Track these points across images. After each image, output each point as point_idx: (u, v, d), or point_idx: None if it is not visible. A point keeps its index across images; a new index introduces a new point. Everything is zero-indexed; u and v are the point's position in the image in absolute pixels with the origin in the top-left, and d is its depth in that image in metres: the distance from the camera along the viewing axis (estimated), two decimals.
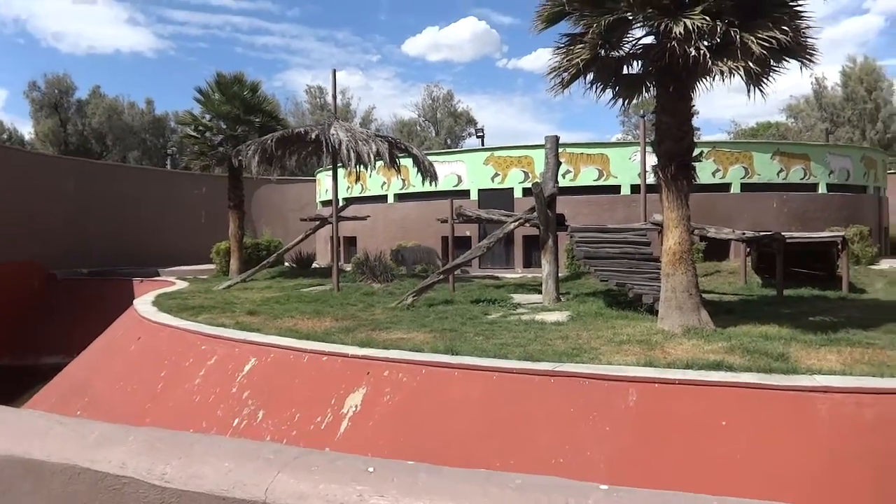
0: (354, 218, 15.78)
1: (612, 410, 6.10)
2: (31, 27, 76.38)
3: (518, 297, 12.97)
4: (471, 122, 58.09)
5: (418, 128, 57.17)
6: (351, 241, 22.90)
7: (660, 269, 9.33)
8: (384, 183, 21.50)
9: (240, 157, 15.76)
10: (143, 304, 13.57)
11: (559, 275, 12.53)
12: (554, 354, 7.29)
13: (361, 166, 14.98)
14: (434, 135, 56.23)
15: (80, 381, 11.48)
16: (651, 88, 8.72)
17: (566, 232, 12.56)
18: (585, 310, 10.82)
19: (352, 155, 14.37)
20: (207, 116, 18.00)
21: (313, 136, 14.68)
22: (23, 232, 21.12)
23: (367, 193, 22.13)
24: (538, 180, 11.40)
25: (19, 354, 19.67)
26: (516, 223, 11.76)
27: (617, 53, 8.63)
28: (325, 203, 26.13)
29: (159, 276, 22.05)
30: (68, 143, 53.76)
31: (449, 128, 56.01)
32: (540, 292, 13.97)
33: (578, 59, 7.94)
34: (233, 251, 18.52)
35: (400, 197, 21.54)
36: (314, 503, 0.93)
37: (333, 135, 14.72)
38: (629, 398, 6.12)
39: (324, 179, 25.76)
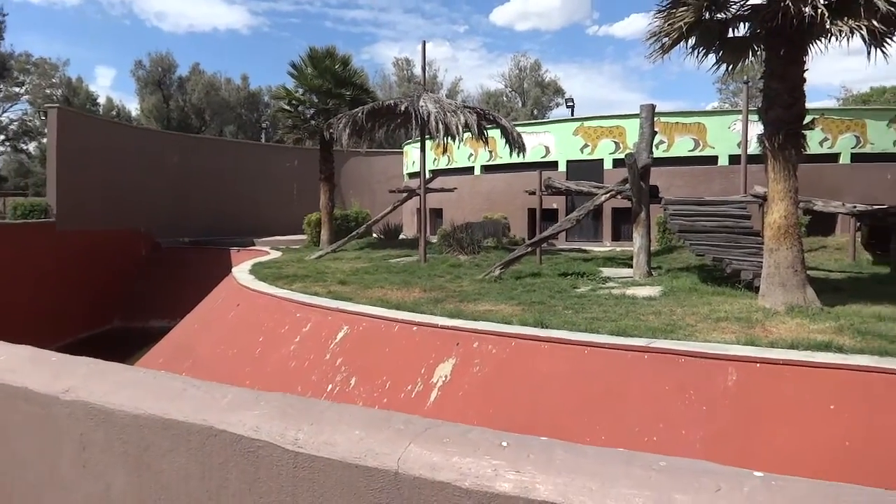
0: (442, 189, 15.83)
1: (709, 389, 5.89)
2: (137, 8, 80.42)
3: (607, 271, 12.69)
4: (558, 91, 56.90)
5: (505, 98, 56.51)
6: (437, 213, 23.04)
7: (760, 243, 8.87)
8: (471, 154, 21.43)
9: (331, 130, 16.05)
10: (241, 272, 14.19)
11: (651, 249, 12.14)
12: (647, 330, 7.09)
13: (449, 138, 14.96)
14: (521, 105, 55.45)
15: (184, 343, 12.18)
16: (758, 52, 8.20)
17: (660, 204, 12.11)
18: (679, 285, 10.46)
19: (440, 126, 14.36)
20: (300, 90, 18.41)
21: (403, 108, 14.75)
22: (132, 202, 22.48)
23: (454, 165, 22.13)
24: (631, 151, 11.02)
25: (129, 317, 21.07)
26: (607, 195, 11.45)
27: (722, 15, 8.15)
28: (412, 175, 26.38)
29: (255, 245, 23.00)
30: (170, 118, 56.48)
31: (536, 98, 55.05)
32: (630, 266, 13.62)
33: (681, 23, 7.55)
34: (323, 222, 19.02)
35: (487, 169, 21.44)
36: (447, 475, 0.92)
37: (422, 106, 14.74)
38: (728, 377, 5.88)
39: (411, 151, 25.98)
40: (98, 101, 58.04)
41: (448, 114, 14.62)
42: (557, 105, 56.22)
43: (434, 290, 10.83)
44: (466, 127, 14.58)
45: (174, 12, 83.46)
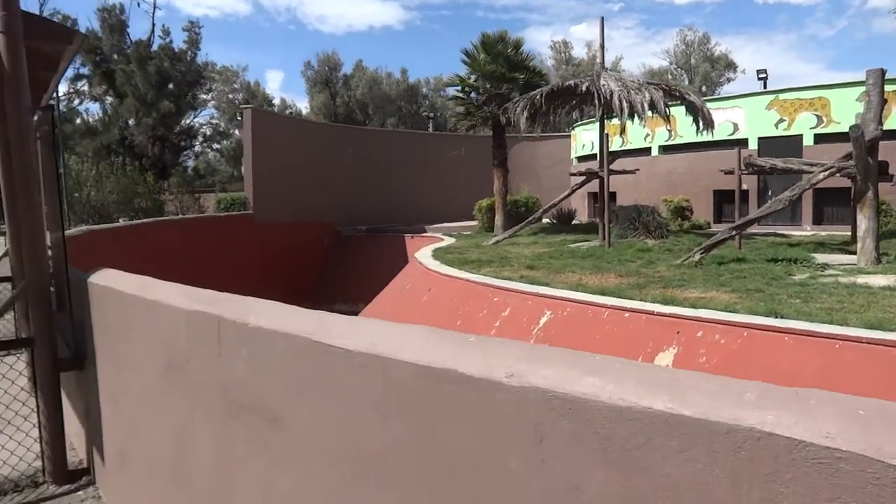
0: (624, 172, 15.17)
1: None
2: (300, 13, 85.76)
3: (821, 257, 11.47)
4: (730, 66, 53.05)
5: (670, 76, 53.59)
6: (611, 197, 22.24)
7: None
8: (647, 135, 20.43)
9: (507, 115, 15.95)
10: (425, 257, 14.49)
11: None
12: None
13: (629, 117, 14.27)
14: (687, 83, 52.33)
15: None
16: None
17: (891, 183, 10.72)
18: None
19: (624, 105, 13.76)
20: (473, 77, 18.46)
21: (584, 88, 14.31)
22: (316, 195, 23.88)
23: (628, 146, 21.22)
24: (857, 122, 9.81)
25: (317, 301, 22.43)
26: (826, 172, 10.28)
27: None
28: (581, 159, 25.71)
29: (426, 232, 23.55)
30: (337, 114, 59.61)
31: (704, 74, 51.70)
32: (846, 252, 12.30)
33: None
34: (497, 207, 19.02)
35: (665, 149, 20.33)
36: None
37: (604, 85, 14.21)
38: None
39: (580, 135, 25.31)
40: (273, 101, 62.61)
41: (632, 91, 13.98)
42: (729, 80, 52.47)
43: (630, 275, 10.35)
44: (653, 104, 13.86)
45: (334, 14, 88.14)
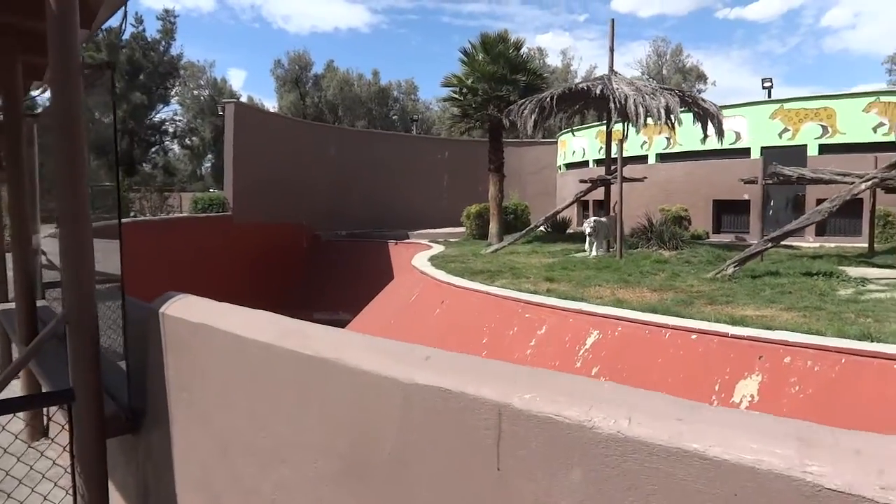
0: (632, 179, 14.56)
1: None
2: (266, 12, 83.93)
3: (851, 271, 11.00)
4: (700, 77, 53.60)
5: None
6: (600, 205, 21.72)
7: None
8: (644, 142, 19.94)
9: (510, 117, 15.21)
10: (427, 266, 13.60)
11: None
12: None
13: (643, 123, 13.68)
14: None
15: None
16: None
17: None
18: None
19: (640, 110, 13.16)
20: (471, 78, 17.67)
21: (598, 92, 13.66)
22: (296, 196, 22.76)
23: (625, 154, 20.65)
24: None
25: (296, 308, 21.27)
26: (868, 183, 9.79)
27: None
28: (570, 165, 25.14)
29: (409, 238, 22.66)
30: (306, 114, 58.27)
31: (676, 84, 51.99)
32: (871, 265, 11.91)
33: None
34: (493, 214, 18.26)
35: (662, 157, 19.86)
36: None
37: (618, 89, 13.59)
38: None
39: (570, 141, 24.75)
40: (241, 100, 60.88)
41: (647, 96, 13.40)
42: (700, 92, 52.88)
43: (664, 289, 9.67)
44: (669, 110, 13.30)
45: (299, 13, 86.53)
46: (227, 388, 2.04)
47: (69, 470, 2.54)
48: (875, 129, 15.87)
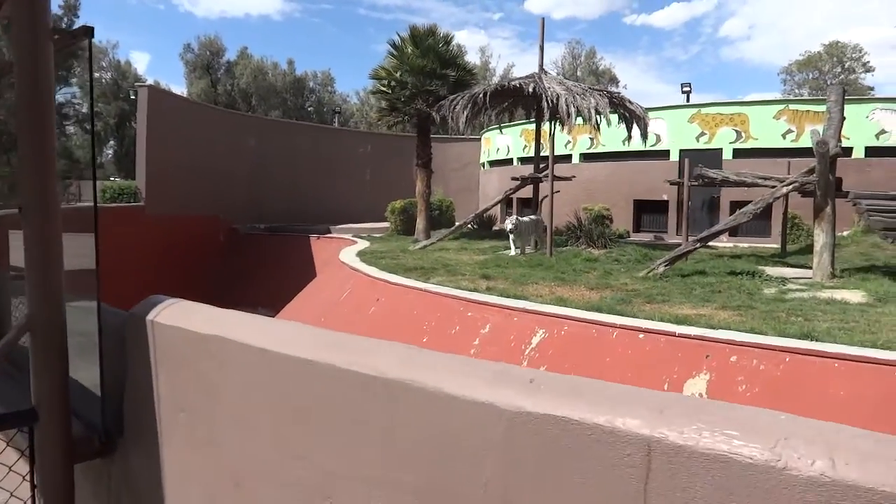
0: (562, 178, 14.71)
1: None
2: None
3: (770, 270, 11.53)
4: (613, 80, 55.34)
5: None
6: (525, 204, 21.93)
7: None
8: (568, 142, 20.27)
9: (441, 112, 15.05)
10: (356, 262, 13.24)
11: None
12: None
13: (574, 122, 13.85)
14: None
15: None
16: None
17: (846, 199, 10.90)
18: (884, 289, 9.28)
19: (571, 110, 13.30)
20: (399, 72, 17.36)
21: (531, 90, 13.71)
22: (213, 187, 21.71)
23: (547, 153, 20.95)
24: (822, 138, 9.82)
25: (213, 303, 20.34)
26: (789, 187, 10.26)
27: None
28: (494, 163, 25.28)
29: (331, 233, 22.11)
30: (217, 102, 55.88)
31: (591, 86, 53.51)
32: (787, 265, 12.53)
33: None
34: (420, 210, 18.05)
35: (585, 157, 20.26)
36: None
37: (550, 88, 13.69)
38: None
39: (494, 138, 24.87)
40: (147, 85, 57.78)
41: (577, 96, 13.57)
42: None
43: (601, 288, 9.78)
44: (598, 111, 13.52)
45: None
46: (246, 410, 1.74)
47: (29, 502, 2.15)
48: (784, 136, 16.76)
